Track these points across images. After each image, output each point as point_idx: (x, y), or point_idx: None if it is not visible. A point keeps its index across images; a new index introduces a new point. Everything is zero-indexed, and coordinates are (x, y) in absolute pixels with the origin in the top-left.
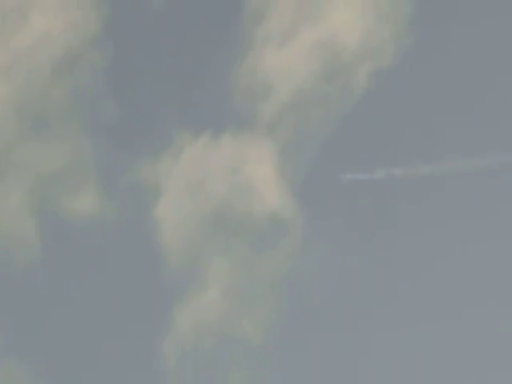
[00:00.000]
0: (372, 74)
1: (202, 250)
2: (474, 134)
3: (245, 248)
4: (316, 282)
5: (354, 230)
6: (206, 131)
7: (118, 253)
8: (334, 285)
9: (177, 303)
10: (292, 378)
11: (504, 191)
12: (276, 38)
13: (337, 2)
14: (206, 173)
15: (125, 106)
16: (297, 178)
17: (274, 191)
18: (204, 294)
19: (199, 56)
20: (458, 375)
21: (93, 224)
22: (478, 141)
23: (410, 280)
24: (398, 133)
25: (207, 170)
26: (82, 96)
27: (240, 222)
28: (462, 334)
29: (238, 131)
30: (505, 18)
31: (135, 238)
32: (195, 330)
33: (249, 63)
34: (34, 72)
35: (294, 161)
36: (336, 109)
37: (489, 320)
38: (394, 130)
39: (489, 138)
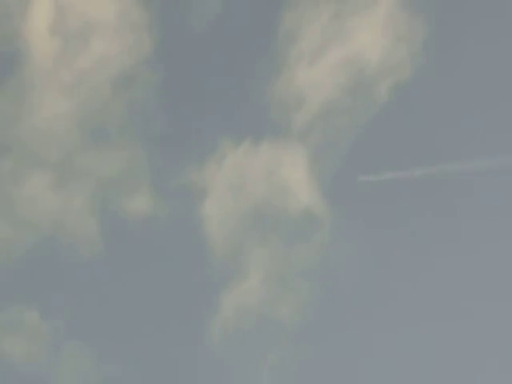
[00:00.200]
0: (392, 87)
1: (243, 243)
2: (486, 141)
3: (280, 241)
4: (343, 270)
5: (376, 225)
6: (246, 139)
7: (169, 246)
8: (359, 274)
9: (222, 289)
10: (324, 357)
11: None
12: (307, 56)
13: (360, 24)
14: (246, 175)
15: (174, 118)
16: (325, 179)
17: (306, 191)
18: (245, 281)
19: (240, 73)
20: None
21: (147, 222)
22: (489, 146)
23: (429, 271)
24: (415, 139)
25: (247, 173)
26: (137, 110)
27: (276, 218)
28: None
29: (274, 139)
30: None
31: (184, 234)
32: (237, 313)
33: (283, 78)
34: (94, 89)
35: (322, 164)
36: (360, 118)
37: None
38: (412, 136)
39: (501, 145)
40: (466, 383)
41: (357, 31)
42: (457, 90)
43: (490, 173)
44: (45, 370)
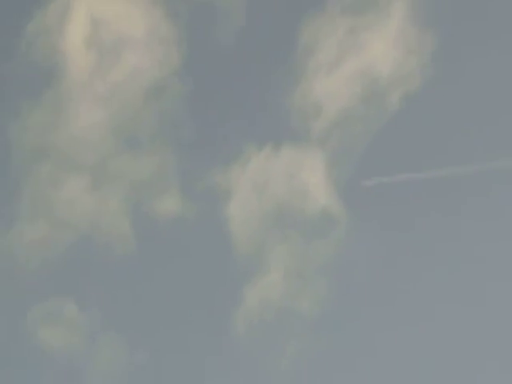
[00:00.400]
0: (402, 97)
1: (265, 241)
2: (492, 145)
3: (300, 238)
4: (357, 267)
5: (389, 226)
6: (268, 144)
7: (196, 244)
8: (373, 270)
9: (245, 283)
10: (340, 346)
11: None
12: (324, 67)
13: (373, 38)
14: (267, 178)
15: (201, 125)
16: (341, 181)
17: (323, 193)
18: (267, 276)
19: (262, 83)
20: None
21: (176, 222)
22: (494, 152)
23: (437, 268)
24: (424, 144)
25: (269, 176)
26: (166, 118)
27: (295, 218)
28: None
29: (293, 144)
30: None
31: (210, 232)
32: (260, 305)
33: (302, 88)
34: (126, 100)
35: (339, 168)
36: (373, 125)
37: None
38: (421, 142)
39: (506, 151)
40: (474, 369)
41: (370, 44)
42: (463, 98)
43: (497, 176)
44: (81, 358)
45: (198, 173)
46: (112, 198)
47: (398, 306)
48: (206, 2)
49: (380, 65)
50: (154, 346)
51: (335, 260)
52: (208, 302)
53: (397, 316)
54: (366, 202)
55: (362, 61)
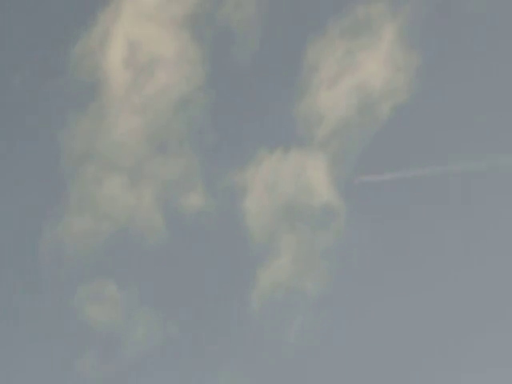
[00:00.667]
0: (392, 108)
1: (275, 231)
2: (467, 149)
3: (305, 229)
4: (355, 252)
5: (382, 217)
6: (278, 149)
7: (217, 234)
8: (369, 255)
9: (259, 267)
10: (341, 320)
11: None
12: (325, 83)
13: (367, 58)
14: (278, 177)
15: (222, 132)
16: (341, 180)
17: (325, 189)
18: (277, 260)
19: (273, 96)
20: None
21: (200, 215)
22: (471, 154)
23: (425, 251)
24: (411, 147)
25: (279, 176)
26: (192, 126)
27: (302, 211)
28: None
29: (299, 148)
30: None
31: (229, 224)
32: (271, 286)
33: (307, 100)
34: (158, 111)
35: (338, 168)
36: (367, 132)
37: None
38: (408, 145)
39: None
40: (467, 346)
41: (364, 63)
42: (444, 109)
43: (475, 175)
44: (120, 331)
45: (219, 173)
46: (146, 194)
47: (390, 285)
48: (226, 28)
49: (373, 80)
50: (183, 319)
51: (335, 247)
52: (227, 283)
53: (388, 294)
54: (362, 197)
55: (357, 77)
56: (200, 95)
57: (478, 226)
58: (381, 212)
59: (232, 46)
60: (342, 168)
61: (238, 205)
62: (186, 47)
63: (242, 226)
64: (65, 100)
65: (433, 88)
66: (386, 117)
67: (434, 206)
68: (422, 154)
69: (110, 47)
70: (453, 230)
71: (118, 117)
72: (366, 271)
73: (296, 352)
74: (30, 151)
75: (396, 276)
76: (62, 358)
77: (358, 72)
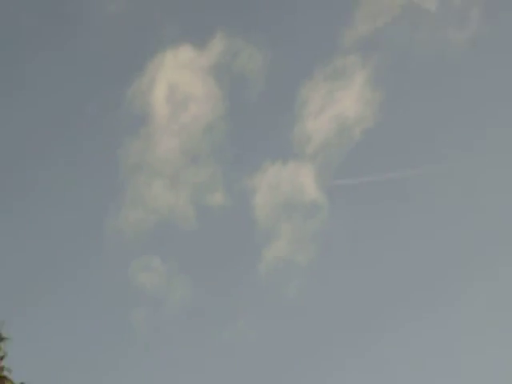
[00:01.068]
0: (362, 131)
1: (276, 220)
2: (417, 158)
3: (298, 218)
4: (336, 235)
5: (356, 209)
6: (278, 161)
7: (234, 222)
8: (346, 237)
9: (264, 246)
10: (326, 285)
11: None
12: (313, 113)
13: (343, 95)
14: (278, 181)
15: (238, 149)
16: (324, 183)
17: (313, 190)
18: (278, 241)
19: (274, 124)
20: None
21: (221, 209)
22: (420, 162)
23: (391, 234)
24: (375, 159)
25: (279, 180)
26: (216, 145)
27: (296, 206)
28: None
29: (294, 161)
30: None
31: (242, 215)
32: (273, 259)
33: (299, 126)
34: (191, 133)
35: (322, 175)
36: (344, 149)
37: None
38: (373, 158)
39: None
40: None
41: (341, 100)
42: (399, 132)
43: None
44: (163, 293)
45: (235, 178)
46: (182, 194)
47: (362, 258)
48: (240, 74)
49: (347, 112)
50: (209, 284)
51: (320, 231)
52: (241, 257)
53: (358, 264)
54: (339, 196)
55: (336, 109)
56: (221, 123)
57: (417, 215)
58: (353, 206)
59: (244, 87)
60: (325, 175)
61: (249, 201)
62: (211, 88)
63: (251, 216)
64: (123, 126)
65: (391, 117)
66: (357, 138)
67: (390, 201)
68: (383, 164)
69: (156, 88)
70: (402, 218)
71: (161, 138)
72: (343, 248)
73: (292, 304)
74: (98, 162)
75: (364, 251)
76: (121, 311)
77: (337, 106)
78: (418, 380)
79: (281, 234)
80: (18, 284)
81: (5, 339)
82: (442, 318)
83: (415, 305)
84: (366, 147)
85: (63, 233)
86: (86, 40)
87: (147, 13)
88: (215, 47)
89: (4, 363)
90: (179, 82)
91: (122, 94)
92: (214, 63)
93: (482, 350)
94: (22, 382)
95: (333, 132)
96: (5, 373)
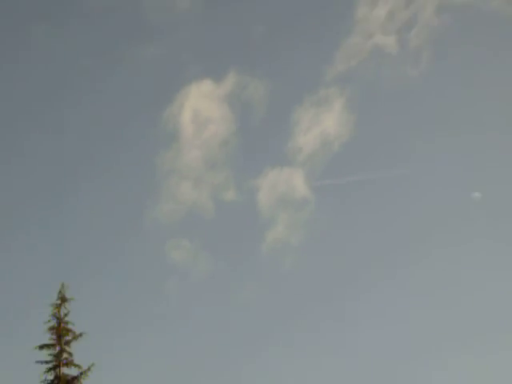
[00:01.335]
0: (340, 144)
1: (275, 211)
2: (388, 162)
3: (292, 210)
4: (320, 222)
5: (335, 203)
6: (277, 167)
7: (243, 213)
8: (329, 224)
9: (266, 231)
10: (314, 262)
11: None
12: (303, 131)
13: (326, 118)
14: (276, 183)
15: (246, 158)
16: (312, 184)
17: (303, 189)
18: (276, 227)
19: (274, 139)
20: None
21: (233, 203)
22: (391, 165)
23: (367, 224)
24: (351, 164)
25: (277, 182)
26: (229, 155)
27: (290, 201)
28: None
29: (289, 167)
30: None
31: (249, 208)
32: (273, 241)
33: (292, 141)
34: (210, 147)
35: (311, 177)
36: (327, 157)
37: None
38: (349, 164)
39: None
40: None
41: (324, 121)
42: (369, 144)
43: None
44: (190, 266)
45: (244, 180)
46: (204, 192)
47: (339, 240)
48: (248, 102)
49: (329, 130)
50: (225, 259)
51: (309, 220)
52: (248, 239)
53: (338, 244)
54: (323, 193)
55: (320, 128)
56: (233, 138)
57: (381, 207)
58: (334, 200)
59: (251, 111)
60: (312, 177)
61: (254, 197)
62: (225, 112)
63: (256, 209)
64: (159, 140)
65: (362, 134)
66: (336, 149)
67: (361, 196)
68: (355, 169)
69: (184, 112)
70: (371, 209)
71: (188, 150)
72: (326, 232)
73: (288, 276)
74: (140, 168)
75: (343, 235)
76: (156, 279)
77: (321, 125)
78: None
79: (278, 222)
80: (82, 259)
81: (69, 299)
82: (401, 282)
83: (378, 271)
84: (342, 156)
85: (114, 221)
86: (132, 76)
87: (176, 55)
88: (229, 81)
89: (68, 318)
90: (201, 108)
91: (158, 117)
92: (227, 93)
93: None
94: (82, 332)
95: (318, 145)
96: (69, 326)
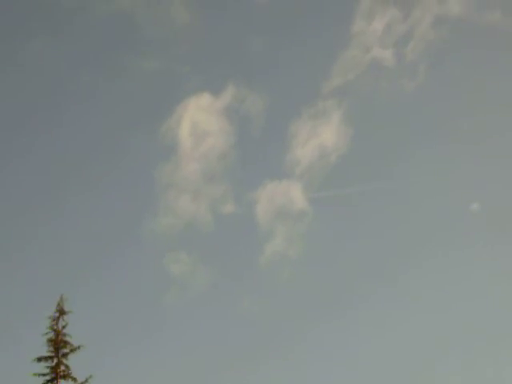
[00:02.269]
0: (338, 157)
1: (273, 224)
2: (379, 174)
3: (290, 222)
4: (318, 235)
5: (333, 215)
6: (275, 179)
7: (241, 226)
8: (325, 236)
9: (264, 243)
10: (312, 274)
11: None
12: (301, 143)
13: (324, 130)
14: (275, 195)
15: (244, 171)
16: (309, 196)
17: (301, 201)
18: (274, 240)
19: (272, 152)
20: None
21: (232, 215)
22: (379, 178)
23: (365, 234)
24: (346, 177)
25: (275, 194)
26: (228, 168)
27: (288, 213)
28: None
29: (287, 179)
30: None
31: (248, 220)
32: (271, 253)
33: (291, 153)
34: (208, 160)
35: (308, 190)
36: (324, 169)
37: None
38: (344, 175)
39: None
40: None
41: (322, 133)
42: (365, 157)
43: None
44: (188, 278)
45: (242, 193)
46: (202, 205)
47: (336, 251)
48: (246, 115)
49: (327, 142)
50: (222, 272)
51: (307, 232)
52: (248, 251)
53: (335, 256)
54: (320, 205)
55: (318, 140)
56: (231, 151)
57: (377, 218)
58: (331, 212)
59: (249, 124)
60: (309, 189)
61: (253, 210)
62: (223, 125)
63: (255, 221)
64: (158, 153)
65: (359, 147)
66: (334, 162)
67: (358, 208)
68: (352, 181)
69: (182, 125)
70: (368, 220)
71: (186, 163)
72: (323, 245)
73: (285, 287)
74: (138, 180)
75: (341, 247)
76: (155, 292)
77: (318, 138)
78: None
79: (277, 234)
80: (80, 271)
81: (67, 312)
82: (400, 293)
83: (376, 282)
84: (340, 169)
85: (112, 234)
86: (131, 89)
87: (175, 69)
88: (227, 95)
89: (66, 330)
90: (200, 121)
91: (156, 130)
92: (226, 107)
93: None
94: (79, 345)
95: (315, 157)
96: (67, 338)
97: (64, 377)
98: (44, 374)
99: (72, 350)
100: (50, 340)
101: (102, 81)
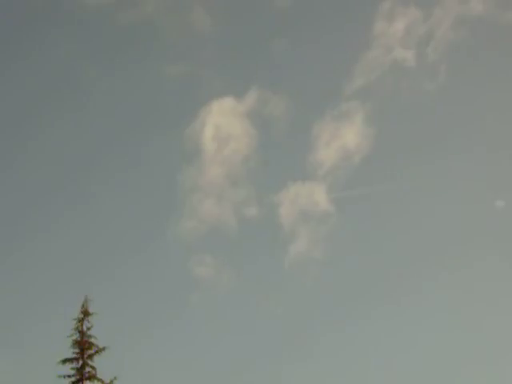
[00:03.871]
0: (361, 158)
1: (296, 225)
2: (401, 173)
3: (313, 224)
4: (342, 236)
5: (357, 216)
6: (298, 181)
7: (265, 228)
8: (349, 237)
9: (289, 245)
10: (337, 275)
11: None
12: (323, 144)
13: (346, 132)
14: (298, 197)
15: (268, 173)
16: (333, 197)
17: (325, 203)
18: (299, 241)
19: (295, 154)
20: None
21: (256, 218)
22: (402, 178)
23: (382, 237)
24: (371, 177)
25: (299, 196)
26: (251, 171)
27: (311, 214)
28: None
29: (310, 181)
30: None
31: (271, 222)
32: (296, 255)
33: (313, 155)
34: (232, 163)
35: (332, 191)
36: (347, 171)
37: None
38: (368, 177)
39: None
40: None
41: (344, 134)
42: (387, 157)
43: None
44: (212, 280)
45: (266, 195)
46: (226, 208)
47: (362, 253)
48: (269, 118)
49: (350, 143)
50: (247, 273)
51: (331, 234)
52: (272, 253)
53: (360, 257)
54: (344, 206)
55: (341, 142)
56: (255, 154)
57: (401, 217)
58: (355, 213)
59: (272, 127)
60: (333, 190)
61: (276, 212)
62: (247, 129)
63: (278, 223)
64: (182, 157)
65: (382, 147)
66: (357, 163)
67: (382, 208)
68: (376, 181)
69: (206, 129)
70: (393, 220)
71: (210, 167)
72: (348, 246)
73: (309, 289)
74: (163, 184)
75: (366, 248)
76: (180, 295)
77: (341, 139)
78: None
79: (301, 236)
80: (106, 274)
81: (92, 314)
82: (430, 296)
83: (403, 283)
84: (363, 170)
85: (137, 237)
86: (155, 94)
87: (198, 73)
88: (250, 98)
89: (91, 332)
90: (223, 124)
91: (181, 133)
92: (249, 110)
93: None
94: (105, 346)
95: (338, 159)
96: (92, 339)
97: (90, 378)
98: (70, 376)
99: (97, 352)
100: (75, 341)
101: (128, 86)
